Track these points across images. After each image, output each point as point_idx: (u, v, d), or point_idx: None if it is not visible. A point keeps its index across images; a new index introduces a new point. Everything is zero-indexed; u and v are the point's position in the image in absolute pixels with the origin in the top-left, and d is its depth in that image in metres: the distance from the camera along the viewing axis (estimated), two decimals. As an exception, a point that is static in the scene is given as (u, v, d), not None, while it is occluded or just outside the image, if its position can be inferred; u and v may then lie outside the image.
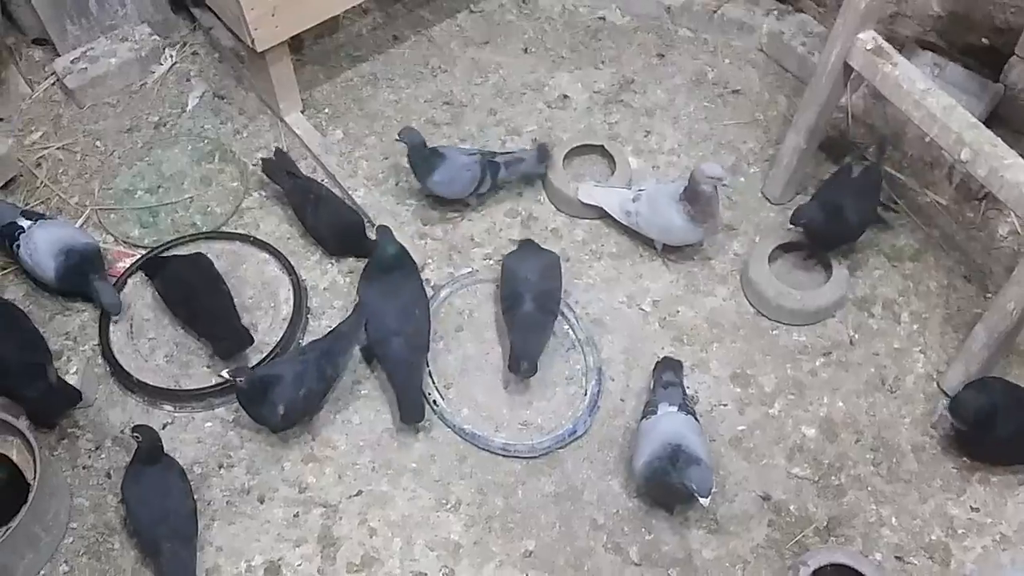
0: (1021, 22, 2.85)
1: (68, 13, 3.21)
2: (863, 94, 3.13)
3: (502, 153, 2.98)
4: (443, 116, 3.23)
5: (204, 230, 2.93)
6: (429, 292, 2.77)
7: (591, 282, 2.85)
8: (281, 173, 2.92)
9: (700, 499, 2.21)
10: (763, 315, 2.79)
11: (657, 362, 2.61)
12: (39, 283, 2.78)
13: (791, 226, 2.74)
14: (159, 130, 3.20)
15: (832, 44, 2.56)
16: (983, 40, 2.99)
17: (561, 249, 2.87)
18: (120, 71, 3.26)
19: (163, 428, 2.57)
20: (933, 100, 2.42)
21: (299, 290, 2.77)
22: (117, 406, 2.62)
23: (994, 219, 2.95)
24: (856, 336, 2.75)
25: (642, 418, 2.44)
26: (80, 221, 2.96)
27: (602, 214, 2.92)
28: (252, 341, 2.63)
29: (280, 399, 2.41)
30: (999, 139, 2.35)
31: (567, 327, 2.75)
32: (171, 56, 3.36)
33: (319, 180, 3.01)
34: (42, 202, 3.00)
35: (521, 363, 2.56)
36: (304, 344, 2.65)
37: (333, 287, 2.85)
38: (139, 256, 2.85)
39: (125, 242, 2.92)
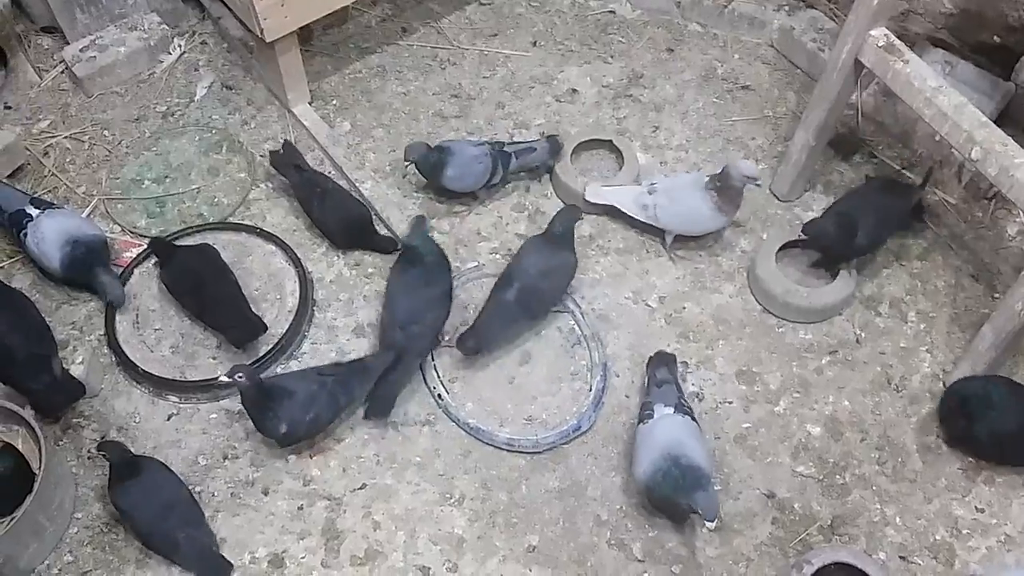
0: (1034, 20, 2.83)
1: (77, 1, 3.20)
2: (873, 91, 3.12)
3: (512, 143, 2.98)
4: (451, 109, 3.22)
5: (211, 221, 2.93)
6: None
7: (597, 277, 2.85)
8: (288, 166, 2.92)
9: (707, 524, 2.23)
10: (769, 312, 2.78)
11: (650, 357, 2.60)
12: (45, 272, 2.78)
13: (802, 235, 2.73)
14: (167, 120, 3.20)
15: (843, 40, 2.55)
16: (995, 38, 2.97)
17: (567, 244, 2.87)
18: (129, 60, 3.26)
19: (168, 419, 2.58)
20: (944, 98, 2.40)
21: (305, 282, 2.77)
22: (122, 396, 2.63)
23: (1003, 219, 2.94)
24: (862, 335, 2.74)
25: (639, 422, 2.43)
26: (87, 211, 2.96)
27: (607, 210, 2.91)
28: (265, 328, 2.63)
29: (285, 417, 2.39)
30: (1010, 138, 2.34)
31: (572, 323, 2.75)
32: (180, 46, 3.36)
33: (326, 173, 3.01)
34: (49, 191, 3.00)
35: (468, 340, 2.56)
36: (324, 365, 2.57)
37: (339, 279, 2.84)
38: (145, 246, 2.85)
39: (132, 232, 2.92)
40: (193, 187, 3.03)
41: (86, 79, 3.20)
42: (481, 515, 2.45)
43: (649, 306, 2.79)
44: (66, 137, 3.14)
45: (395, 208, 2.95)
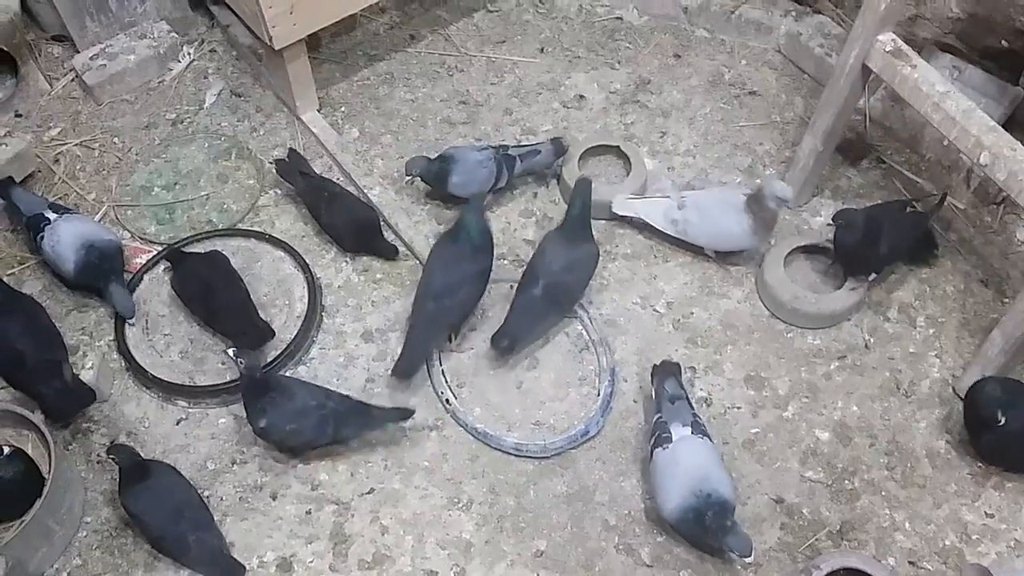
0: (1042, 25, 2.83)
1: (87, 10, 3.23)
2: (881, 96, 3.12)
3: (516, 146, 2.99)
4: (459, 115, 3.23)
5: (220, 227, 2.95)
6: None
7: (605, 283, 2.85)
8: (295, 174, 2.93)
9: (745, 560, 2.30)
10: (778, 318, 2.78)
11: (654, 367, 2.56)
12: (58, 276, 2.80)
13: (830, 223, 2.71)
14: (176, 127, 3.21)
15: (851, 46, 2.55)
16: (1003, 43, 2.97)
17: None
18: (138, 68, 3.28)
19: (177, 424, 2.59)
20: (952, 103, 2.40)
21: (314, 288, 2.78)
22: (132, 401, 2.64)
23: (1012, 223, 2.93)
24: (871, 340, 2.74)
25: (655, 445, 2.37)
26: (97, 217, 2.97)
27: (614, 215, 2.91)
28: (273, 334, 2.64)
29: (270, 415, 2.39)
30: (1018, 143, 2.33)
31: (581, 328, 2.75)
32: (189, 53, 3.38)
33: (334, 179, 3.02)
34: (60, 198, 3.02)
35: (502, 339, 2.58)
36: (338, 392, 2.51)
37: (348, 285, 2.85)
38: (156, 253, 2.86)
39: (142, 238, 2.94)
40: (202, 194, 3.05)
41: (96, 87, 3.23)
42: (489, 520, 2.45)
43: (657, 311, 2.79)
44: (76, 144, 3.16)
45: (403, 214, 2.96)
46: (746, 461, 2.53)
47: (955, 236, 2.92)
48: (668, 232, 2.85)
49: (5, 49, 3.12)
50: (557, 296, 2.63)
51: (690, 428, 2.37)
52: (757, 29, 3.39)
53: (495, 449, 2.55)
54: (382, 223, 2.92)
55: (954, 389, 2.64)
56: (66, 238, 2.70)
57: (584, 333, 2.74)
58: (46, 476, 2.34)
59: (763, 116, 3.22)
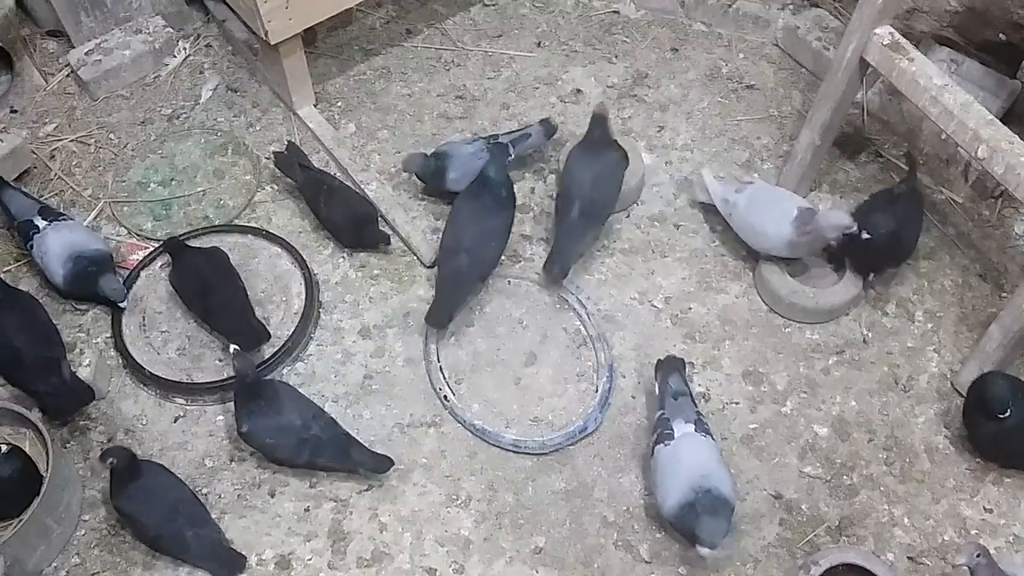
0: (1040, 18, 2.83)
1: (82, 5, 3.21)
2: (879, 90, 3.11)
3: (506, 133, 2.99)
4: (456, 110, 3.22)
5: (217, 223, 2.94)
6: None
7: (603, 278, 2.84)
8: (293, 166, 2.92)
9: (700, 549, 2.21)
10: (776, 313, 2.77)
11: (658, 362, 2.55)
12: (49, 285, 2.79)
13: (845, 233, 2.63)
14: (172, 123, 3.20)
15: (848, 39, 2.54)
16: (1000, 36, 2.96)
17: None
18: (134, 63, 3.26)
19: (175, 421, 2.59)
20: (950, 96, 2.39)
21: (311, 284, 2.77)
22: (129, 399, 2.63)
23: (1010, 217, 2.93)
24: (869, 335, 2.74)
25: (657, 441, 2.36)
26: (93, 213, 2.96)
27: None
28: (269, 337, 2.64)
29: (252, 422, 2.39)
30: (1016, 136, 2.33)
31: (579, 323, 2.75)
32: (184, 48, 3.37)
33: (331, 173, 3.01)
34: (56, 194, 3.01)
35: (554, 266, 2.68)
36: (332, 419, 2.47)
37: (345, 281, 2.85)
38: (152, 249, 2.85)
39: (138, 235, 2.93)
40: (199, 189, 3.04)
41: (91, 82, 3.21)
42: (487, 516, 2.45)
43: (655, 307, 2.79)
44: (72, 140, 3.15)
45: (401, 209, 2.95)
46: (744, 457, 2.53)
47: (953, 230, 2.92)
48: (720, 210, 2.83)
49: (0, 45, 3.11)
50: (593, 211, 2.72)
51: (693, 425, 2.37)
52: (755, 23, 3.38)
53: (493, 446, 2.55)
54: (380, 218, 2.91)
55: (952, 384, 2.64)
56: (54, 249, 2.67)
57: (582, 329, 2.74)
58: (44, 474, 2.33)
59: (761, 110, 3.22)
